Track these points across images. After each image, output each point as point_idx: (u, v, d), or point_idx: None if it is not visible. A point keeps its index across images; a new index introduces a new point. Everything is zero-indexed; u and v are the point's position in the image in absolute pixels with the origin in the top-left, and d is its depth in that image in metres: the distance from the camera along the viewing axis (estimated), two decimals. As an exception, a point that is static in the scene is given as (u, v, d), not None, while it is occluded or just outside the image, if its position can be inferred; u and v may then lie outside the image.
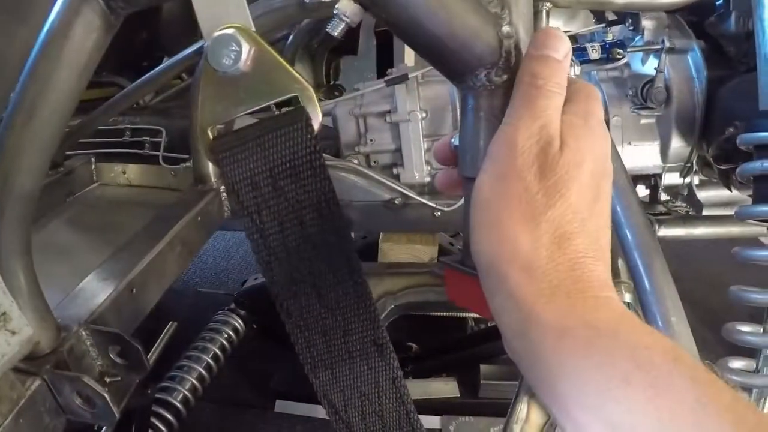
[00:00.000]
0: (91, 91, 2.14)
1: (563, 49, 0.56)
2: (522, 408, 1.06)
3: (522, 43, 0.59)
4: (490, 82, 0.58)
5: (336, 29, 0.61)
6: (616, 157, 1.17)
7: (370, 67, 2.59)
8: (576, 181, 0.52)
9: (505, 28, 0.58)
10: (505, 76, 0.58)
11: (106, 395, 0.82)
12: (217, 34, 0.54)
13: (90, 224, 1.65)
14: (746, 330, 1.11)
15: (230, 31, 0.53)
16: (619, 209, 1.07)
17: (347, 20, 0.59)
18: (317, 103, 0.55)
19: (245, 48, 0.53)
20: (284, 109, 0.57)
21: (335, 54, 2.58)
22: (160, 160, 1.82)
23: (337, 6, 0.58)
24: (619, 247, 1.11)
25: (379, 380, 0.64)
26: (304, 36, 2.19)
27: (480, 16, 0.57)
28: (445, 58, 0.59)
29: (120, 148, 1.94)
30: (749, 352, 1.16)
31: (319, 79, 2.54)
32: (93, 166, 1.87)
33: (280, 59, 0.54)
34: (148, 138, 1.91)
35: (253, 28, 0.54)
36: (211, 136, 0.56)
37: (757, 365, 1.13)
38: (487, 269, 0.54)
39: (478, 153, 0.60)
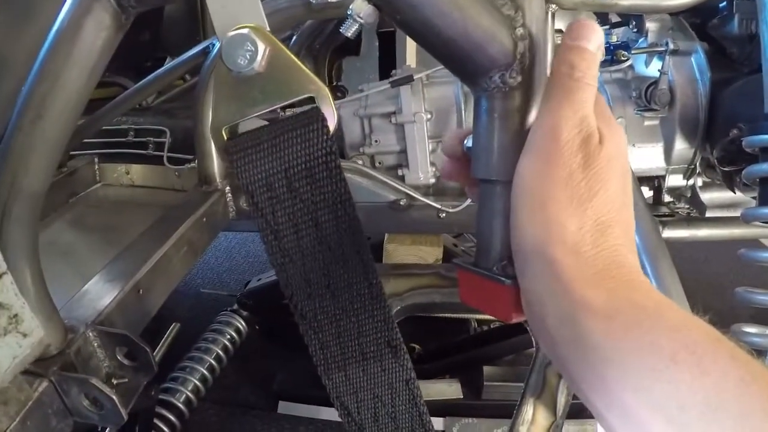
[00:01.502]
0: (94, 90, 2.14)
1: (597, 40, 0.57)
2: (528, 409, 1.07)
3: (535, 45, 0.59)
4: (504, 83, 0.58)
5: (349, 30, 0.61)
6: None
7: (373, 68, 2.58)
8: (613, 173, 0.54)
9: (519, 30, 0.58)
10: (519, 78, 0.58)
11: (114, 397, 0.82)
12: (231, 33, 0.53)
13: (93, 225, 1.65)
14: (752, 331, 1.11)
15: (245, 30, 0.53)
16: (625, 210, 1.08)
17: (361, 21, 0.58)
18: (333, 103, 0.55)
19: (261, 48, 0.53)
20: (290, 111, 0.57)
21: (337, 55, 2.58)
22: (165, 161, 1.82)
23: (351, 6, 0.57)
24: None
25: (393, 382, 0.64)
26: (307, 37, 2.19)
27: (494, 18, 0.57)
28: (459, 60, 0.59)
29: (123, 148, 1.94)
30: (755, 353, 1.15)
31: (321, 80, 2.52)
32: (96, 167, 1.88)
33: (296, 59, 0.54)
34: (151, 138, 1.91)
35: (268, 28, 0.54)
36: (225, 136, 0.56)
37: (763, 367, 1.13)
38: (532, 253, 0.54)
39: (492, 155, 0.60)
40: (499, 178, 0.59)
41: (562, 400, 1.06)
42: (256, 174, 0.56)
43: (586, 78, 0.55)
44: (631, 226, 0.55)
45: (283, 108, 0.58)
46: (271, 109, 0.55)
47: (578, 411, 2.01)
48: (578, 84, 0.55)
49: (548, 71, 0.61)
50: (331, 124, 0.55)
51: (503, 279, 0.59)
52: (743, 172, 1.15)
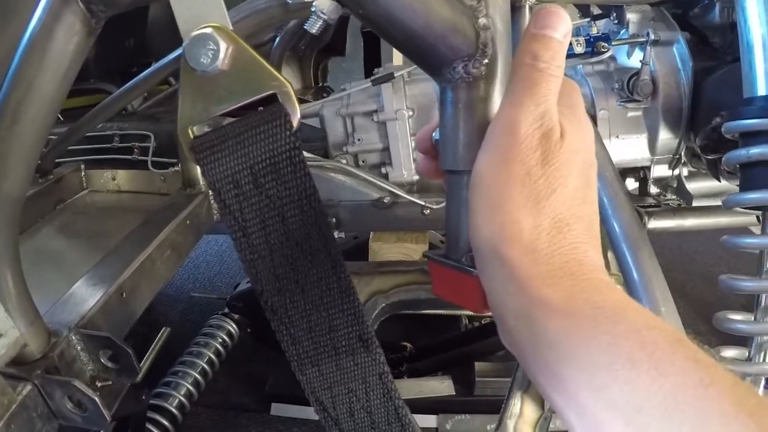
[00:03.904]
0: (79, 98, 2.15)
1: (564, 28, 0.55)
2: (515, 403, 1.07)
3: (499, 35, 0.59)
4: (468, 74, 0.58)
5: (314, 26, 0.62)
6: (602, 149, 1.17)
7: (358, 68, 2.59)
8: (574, 168, 0.53)
9: (482, 20, 0.58)
10: (482, 68, 0.58)
11: (97, 399, 0.82)
12: (194, 33, 0.54)
13: (80, 231, 1.65)
14: (737, 318, 1.11)
15: (207, 30, 0.53)
16: (606, 201, 1.08)
17: (324, 17, 0.59)
18: (295, 99, 0.55)
19: (222, 46, 0.53)
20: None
21: (323, 55, 2.59)
22: (149, 165, 1.82)
23: (314, 3, 0.58)
24: (607, 239, 1.11)
25: (366, 376, 0.64)
26: (291, 38, 2.19)
27: (456, 9, 0.57)
28: (422, 52, 0.59)
29: (109, 154, 1.94)
30: (743, 341, 1.16)
31: (307, 81, 2.54)
32: (83, 173, 1.88)
33: (258, 57, 0.55)
34: (136, 143, 1.91)
35: (231, 27, 0.55)
36: (191, 136, 0.56)
37: (749, 353, 1.13)
38: (488, 253, 0.53)
39: (458, 146, 0.61)
40: (466, 169, 0.60)
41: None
42: (222, 172, 0.56)
43: (550, 69, 0.54)
44: (594, 222, 0.54)
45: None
46: (235, 106, 0.55)
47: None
48: (542, 75, 0.54)
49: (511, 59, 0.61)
50: (295, 120, 0.55)
51: (471, 270, 0.59)
52: (723, 159, 1.16)
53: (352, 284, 0.60)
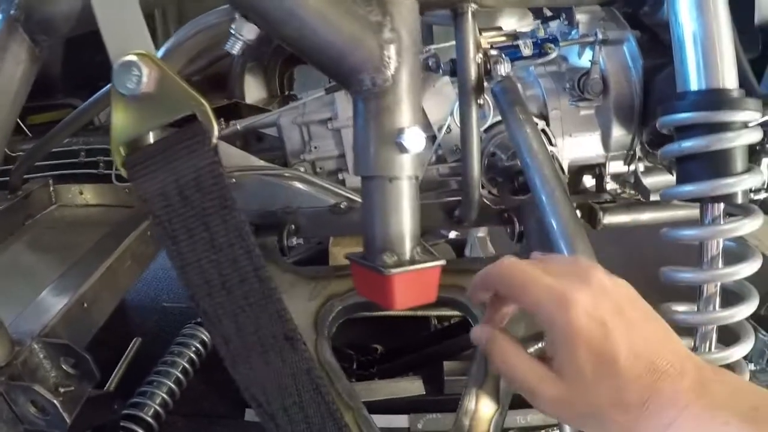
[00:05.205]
0: (47, 114, 2.15)
1: (508, 279, 0.64)
2: (470, 400, 1.08)
3: (405, 48, 0.63)
4: (374, 85, 0.63)
5: (234, 47, 0.66)
6: (541, 146, 1.18)
7: (325, 76, 2.60)
8: (628, 333, 0.59)
9: (387, 35, 0.62)
10: (389, 80, 0.63)
11: (56, 402, 0.86)
12: (120, 61, 0.58)
13: (49, 245, 1.68)
14: (680, 310, 1.13)
15: (132, 57, 0.58)
16: (543, 199, 1.09)
17: (242, 38, 0.63)
18: (213, 117, 0.59)
19: (145, 72, 0.57)
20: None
21: (288, 65, 2.59)
22: (113, 179, 1.85)
23: (232, 25, 0.62)
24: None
25: (295, 372, 0.68)
26: (254, 48, 2.20)
27: (360, 25, 0.61)
28: (331, 66, 0.63)
29: (76, 168, 1.96)
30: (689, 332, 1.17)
31: (272, 90, 2.55)
32: (51, 189, 1.91)
33: (179, 80, 0.59)
34: (102, 157, 1.93)
35: (155, 52, 0.59)
36: (123, 153, 0.61)
37: (694, 343, 1.15)
38: (596, 419, 0.60)
39: (369, 153, 0.65)
40: (376, 174, 0.64)
41: (505, 389, 1.08)
42: (151, 185, 0.60)
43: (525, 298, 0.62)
44: (677, 346, 0.62)
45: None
46: (160, 126, 0.60)
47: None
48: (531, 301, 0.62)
49: (420, 70, 0.65)
50: (212, 137, 0.60)
51: (383, 270, 0.64)
52: (659, 154, 1.18)
53: (275, 286, 0.64)
